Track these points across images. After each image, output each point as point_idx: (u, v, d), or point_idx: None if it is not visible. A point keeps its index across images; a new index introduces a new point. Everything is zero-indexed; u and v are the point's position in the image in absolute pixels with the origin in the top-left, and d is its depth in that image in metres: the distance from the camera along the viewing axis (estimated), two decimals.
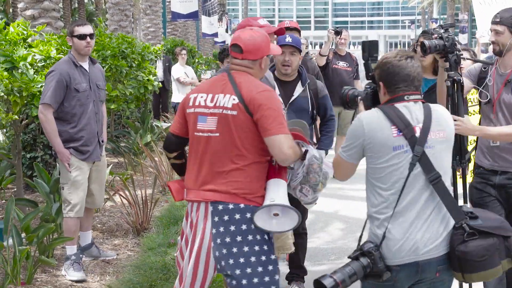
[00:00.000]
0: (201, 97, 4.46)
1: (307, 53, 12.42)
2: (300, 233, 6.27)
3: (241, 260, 4.33)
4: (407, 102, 3.99)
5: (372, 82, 4.36)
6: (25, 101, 7.52)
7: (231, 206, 4.34)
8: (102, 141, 6.96)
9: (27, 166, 9.63)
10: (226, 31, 44.03)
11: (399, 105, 3.98)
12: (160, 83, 13.13)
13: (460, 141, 5.22)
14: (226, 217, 4.34)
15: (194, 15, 26.39)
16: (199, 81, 18.79)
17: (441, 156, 3.96)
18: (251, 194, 4.36)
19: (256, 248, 4.35)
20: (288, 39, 6.10)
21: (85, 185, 6.76)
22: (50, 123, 6.50)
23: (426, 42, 5.12)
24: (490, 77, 5.33)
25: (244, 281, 4.34)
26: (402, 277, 3.90)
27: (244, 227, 4.34)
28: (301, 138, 4.65)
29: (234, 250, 4.33)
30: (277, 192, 4.36)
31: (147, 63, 11.97)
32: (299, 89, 6.29)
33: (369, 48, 4.90)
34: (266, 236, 4.41)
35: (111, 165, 10.71)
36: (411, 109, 3.98)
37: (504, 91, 5.24)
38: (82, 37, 6.67)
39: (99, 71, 7.04)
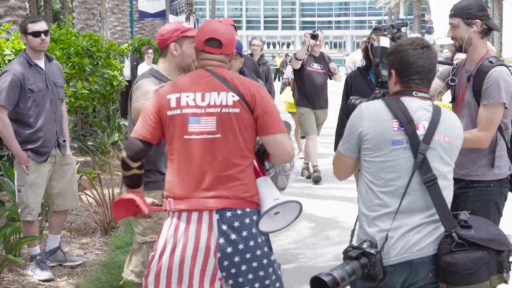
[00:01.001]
0: (187, 96, 4.07)
1: (261, 55, 12.46)
2: None
3: (254, 264, 4.08)
4: (414, 98, 3.81)
5: (381, 87, 4.28)
6: None
7: (239, 211, 4.04)
8: (64, 141, 6.83)
9: None
10: None
11: (405, 99, 3.81)
12: (127, 82, 13.08)
13: None
14: (236, 224, 4.02)
15: (161, 14, 26.36)
16: None
17: (441, 160, 3.78)
18: (254, 196, 4.11)
19: (259, 252, 4.11)
20: None
21: (43, 188, 6.67)
22: (6, 126, 6.36)
23: (375, 44, 4.83)
24: (457, 76, 5.03)
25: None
26: (395, 279, 3.72)
27: (254, 230, 4.06)
28: None
29: (248, 255, 4.05)
30: (273, 190, 4.17)
31: (111, 60, 11.95)
32: None
33: (381, 53, 4.58)
34: (268, 236, 4.23)
35: (78, 164, 10.66)
36: (417, 105, 3.80)
37: (467, 90, 4.92)
38: (36, 34, 6.48)
39: (56, 68, 6.86)
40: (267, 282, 4.13)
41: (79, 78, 10.71)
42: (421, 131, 3.74)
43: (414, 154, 3.72)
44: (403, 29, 5.02)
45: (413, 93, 3.82)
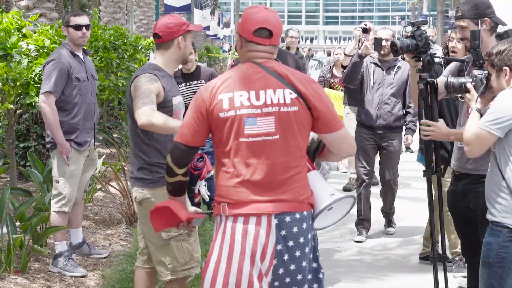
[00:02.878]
0: (240, 95, 3.73)
1: (297, 48, 11.79)
2: None
3: (308, 275, 3.87)
4: None
5: (479, 68, 4.47)
6: (19, 91, 7.51)
7: (297, 215, 3.77)
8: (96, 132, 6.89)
9: (20, 155, 9.62)
10: (218, 25, 44.06)
11: None
12: None
13: (434, 147, 5.08)
14: (295, 229, 3.76)
15: (186, 8, 26.38)
16: None
17: None
18: (310, 197, 3.87)
19: (311, 255, 3.91)
20: None
21: (79, 179, 6.66)
22: (53, 113, 6.34)
23: (398, 42, 4.89)
24: (466, 72, 4.98)
25: None
26: None
27: (309, 236, 3.84)
28: None
29: (304, 264, 3.82)
30: (326, 184, 3.99)
31: (139, 54, 11.97)
32: None
33: (478, 36, 4.66)
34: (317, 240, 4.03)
35: (104, 156, 10.72)
36: None
37: None
38: (78, 27, 6.53)
39: (91, 62, 6.96)
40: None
41: (106, 71, 10.75)
42: None
43: None
44: (423, 27, 5.03)
45: None
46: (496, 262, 4.23)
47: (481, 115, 4.33)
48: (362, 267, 7.03)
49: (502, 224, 4.20)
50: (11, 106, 7.35)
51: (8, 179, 8.93)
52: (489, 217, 4.30)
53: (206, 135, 3.82)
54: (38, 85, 7.42)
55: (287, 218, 3.74)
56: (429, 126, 4.77)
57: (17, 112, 8.13)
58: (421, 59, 4.91)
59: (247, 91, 3.74)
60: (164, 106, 4.66)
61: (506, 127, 4.15)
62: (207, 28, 34.89)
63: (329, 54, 29.08)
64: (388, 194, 8.07)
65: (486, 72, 4.46)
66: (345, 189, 10.53)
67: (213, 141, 3.85)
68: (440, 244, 5.27)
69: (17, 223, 6.56)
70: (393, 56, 5.99)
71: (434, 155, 5.13)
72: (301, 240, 3.78)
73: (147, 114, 4.44)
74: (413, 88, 5.12)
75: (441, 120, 4.85)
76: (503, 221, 4.19)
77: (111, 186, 8.54)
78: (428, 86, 4.94)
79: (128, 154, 11.44)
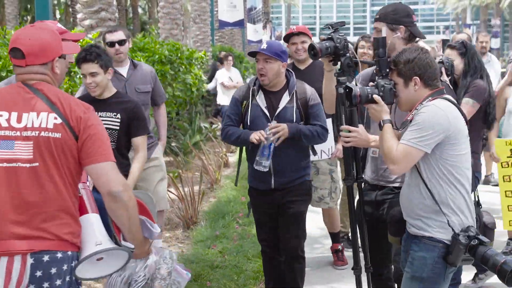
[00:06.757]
0: (0, 115, 3.25)
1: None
2: (297, 257, 5.44)
3: None
4: (446, 95, 3.99)
5: (385, 77, 4.04)
6: None
7: (59, 255, 3.21)
8: (150, 144, 6.50)
9: None
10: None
11: (447, 97, 3.98)
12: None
13: (355, 154, 4.55)
14: (53, 270, 3.19)
15: (240, 24, 26.46)
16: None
17: None
18: (78, 237, 3.32)
19: None
20: (263, 45, 5.32)
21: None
22: None
23: (317, 45, 4.38)
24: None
25: None
26: None
27: (68, 278, 3.27)
28: (146, 213, 3.68)
29: None
30: (97, 231, 3.40)
31: (193, 67, 12.08)
32: (285, 99, 5.36)
33: (383, 44, 4.22)
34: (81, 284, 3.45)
35: None
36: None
37: None
38: (111, 44, 6.40)
39: (141, 75, 6.59)
40: None
41: (163, 84, 10.88)
42: None
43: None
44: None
45: (444, 91, 4.01)
46: (430, 277, 3.91)
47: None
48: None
49: (438, 239, 3.89)
50: None
51: None
52: (419, 232, 3.96)
53: None
54: None
55: (46, 258, 3.19)
56: (349, 132, 4.27)
57: None
58: (341, 61, 4.43)
59: (8, 112, 3.27)
60: None
61: (434, 143, 3.81)
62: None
63: None
64: None
65: (392, 82, 4.03)
66: None
67: None
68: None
69: None
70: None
71: (356, 163, 4.59)
72: (58, 282, 3.22)
73: None
74: (327, 92, 4.65)
75: (361, 126, 4.35)
76: (439, 237, 3.88)
77: (169, 191, 8.62)
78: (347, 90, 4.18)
79: (185, 162, 11.57)
